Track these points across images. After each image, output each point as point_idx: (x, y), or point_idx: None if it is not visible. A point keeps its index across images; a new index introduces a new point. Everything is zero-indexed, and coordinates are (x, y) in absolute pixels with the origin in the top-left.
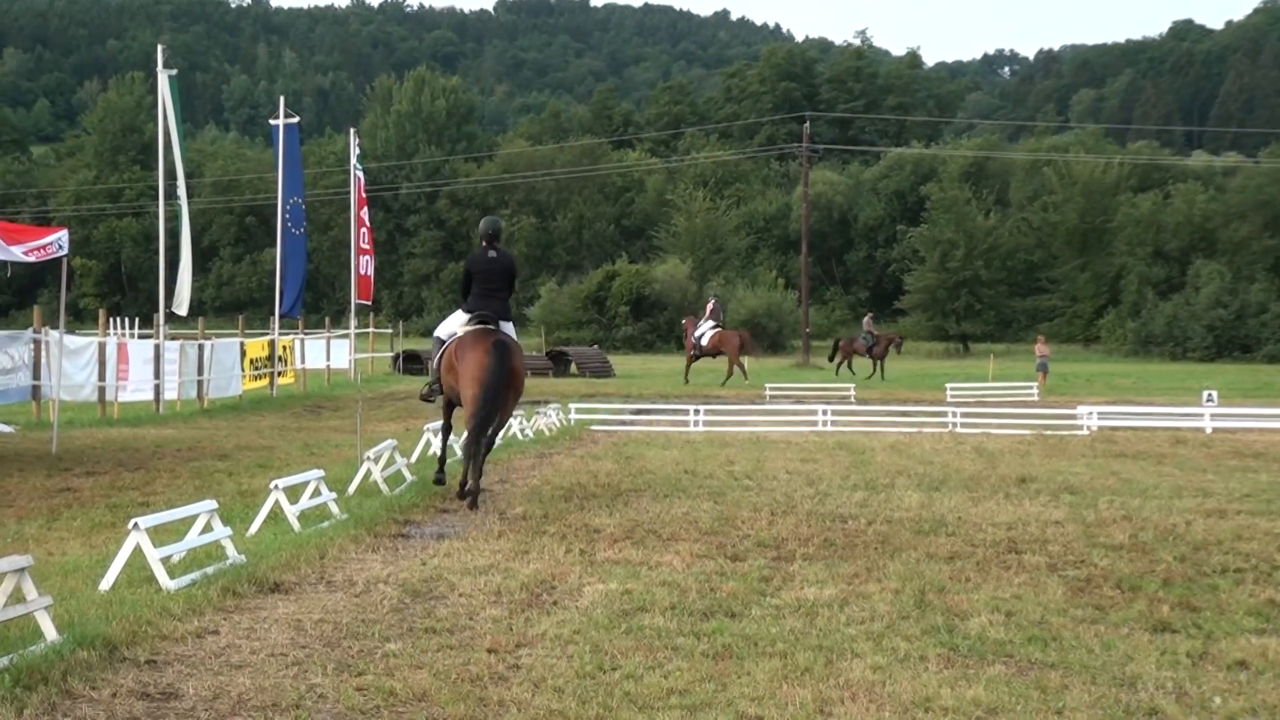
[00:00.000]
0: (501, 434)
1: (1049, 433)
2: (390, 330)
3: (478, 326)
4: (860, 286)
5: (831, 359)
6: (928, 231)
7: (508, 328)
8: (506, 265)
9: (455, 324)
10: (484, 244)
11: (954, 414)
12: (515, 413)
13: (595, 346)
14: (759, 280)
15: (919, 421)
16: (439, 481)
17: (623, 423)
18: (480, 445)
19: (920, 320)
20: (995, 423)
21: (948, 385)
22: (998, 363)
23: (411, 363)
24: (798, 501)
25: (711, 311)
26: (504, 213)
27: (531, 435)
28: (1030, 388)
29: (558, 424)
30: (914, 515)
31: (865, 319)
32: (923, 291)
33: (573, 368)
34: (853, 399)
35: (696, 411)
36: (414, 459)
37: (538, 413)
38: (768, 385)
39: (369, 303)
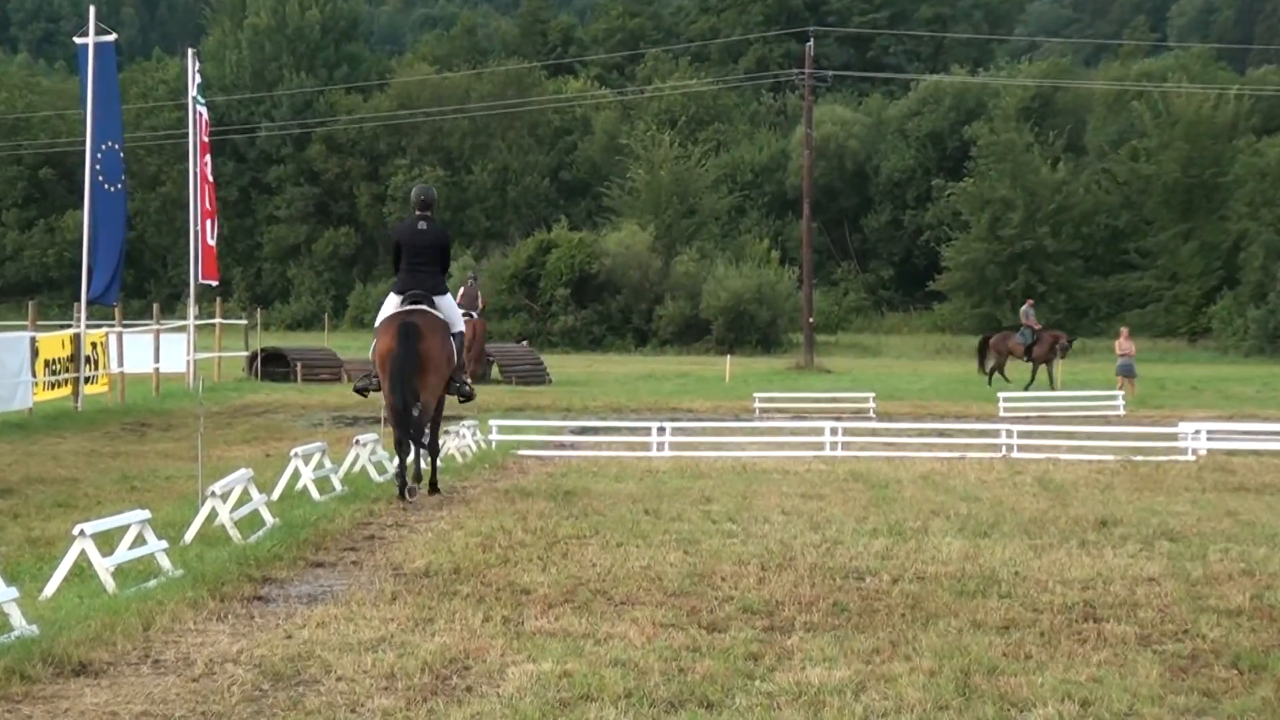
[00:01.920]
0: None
1: (1140, 458)
2: (244, 321)
3: (403, 308)
4: (882, 261)
5: (981, 366)
6: (974, 187)
7: (444, 304)
8: (437, 238)
9: (389, 308)
10: (415, 213)
11: (1009, 433)
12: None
13: (524, 343)
14: (745, 253)
15: (961, 444)
16: (409, 491)
17: (561, 446)
18: (409, 441)
19: (963, 307)
20: (1065, 444)
21: (1000, 395)
22: (1069, 364)
23: (274, 365)
24: (797, 552)
25: (464, 296)
26: (400, 163)
27: (439, 463)
28: (1114, 398)
29: (474, 448)
30: (955, 570)
31: (1024, 308)
32: (966, 268)
33: (494, 371)
34: (872, 413)
35: (660, 430)
36: (277, 494)
37: (447, 432)
38: (757, 396)
39: (215, 284)
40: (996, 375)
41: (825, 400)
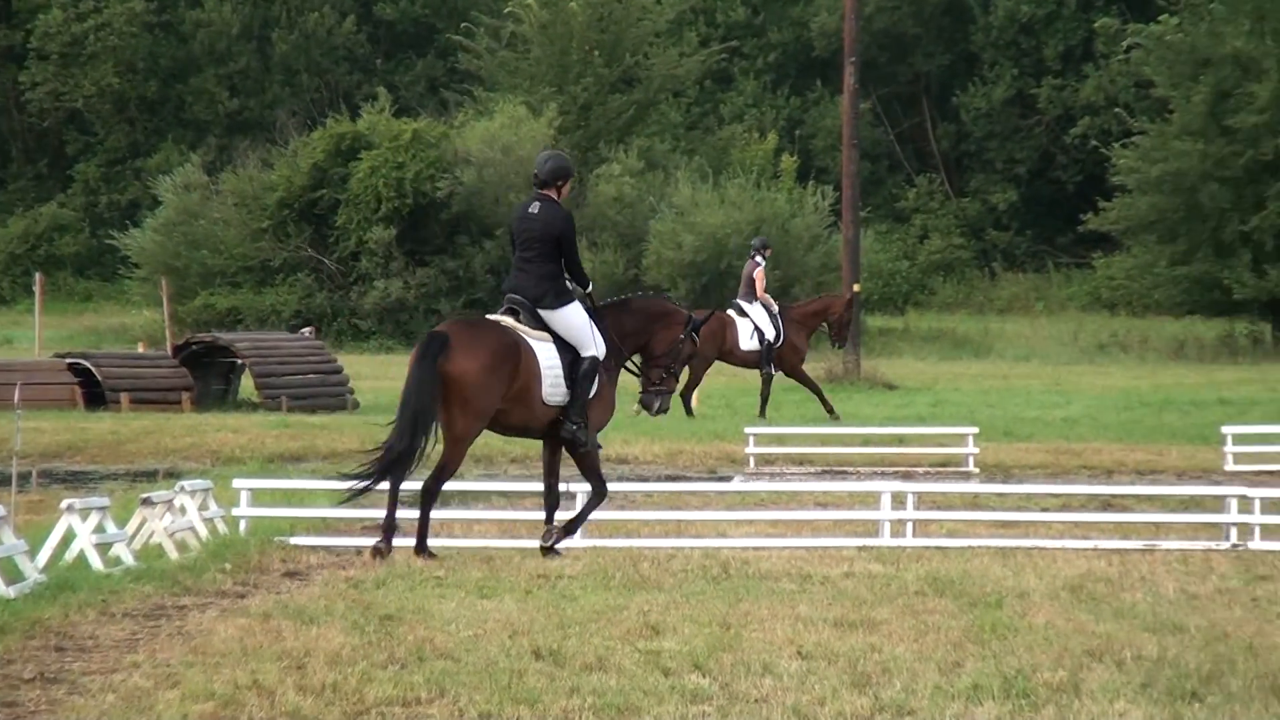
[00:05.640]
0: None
1: None
2: None
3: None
4: (995, 176)
5: None
6: (1177, 37)
7: (559, 317)
8: (549, 225)
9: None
10: (535, 190)
11: (1244, 503)
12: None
13: (307, 331)
14: (733, 160)
15: (1149, 523)
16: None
17: (378, 527)
18: (392, 489)
19: (1153, 262)
20: None
21: (1225, 430)
22: None
23: None
24: None
25: (744, 280)
26: None
27: (131, 560)
28: None
29: (201, 532)
30: None
31: None
32: (1160, 190)
33: (243, 385)
34: (972, 465)
35: (569, 497)
36: None
37: (146, 503)
38: (750, 432)
39: None
40: None
41: (884, 441)
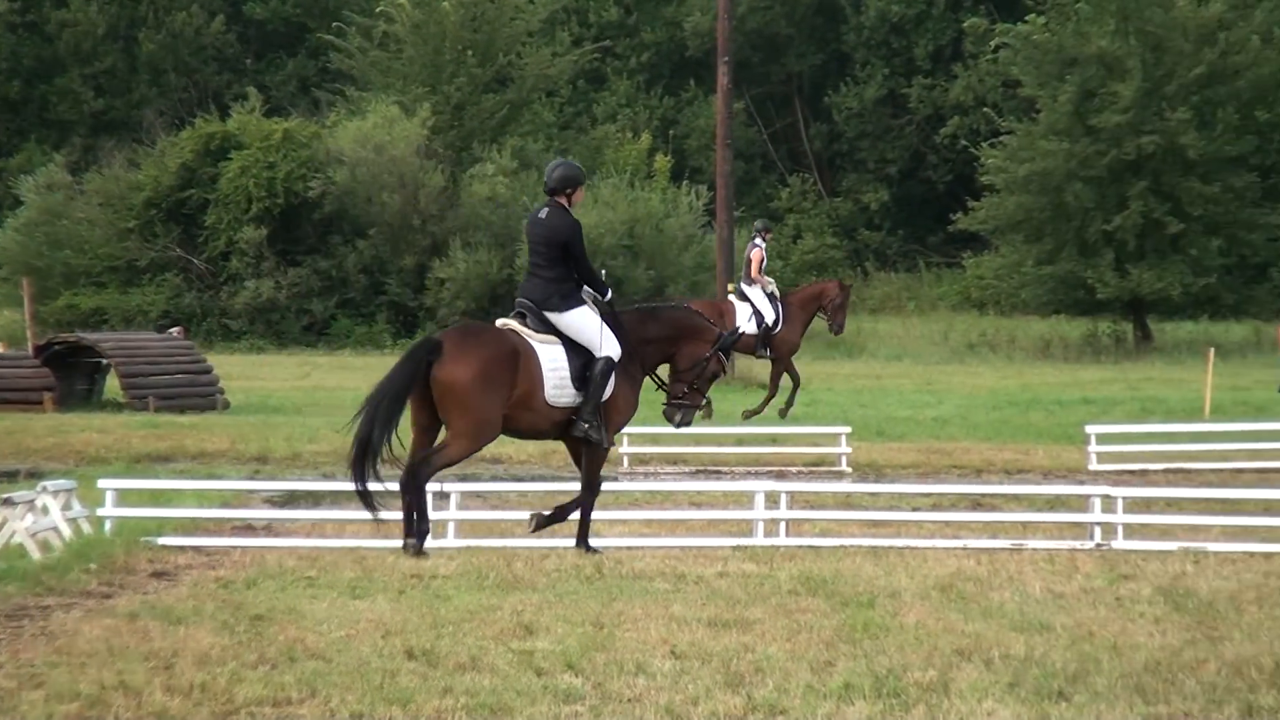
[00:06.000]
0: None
1: None
2: None
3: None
4: (868, 176)
5: None
6: (1045, 36)
7: (568, 319)
8: (555, 231)
9: None
10: (547, 198)
11: (1108, 503)
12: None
13: (175, 331)
14: (608, 161)
15: (1017, 523)
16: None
17: (249, 529)
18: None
19: (1020, 261)
20: (1219, 524)
21: (1088, 429)
22: (1226, 368)
23: None
24: None
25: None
26: None
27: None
28: None
29: (65, 532)
30: None
31: None
32: (1027, 189)
33: (108, 384)
34: (844, 465)
35: (442, 498)
36: None
37: (7, 503)
38: (624, 431)
39: None
40: None
41: (757, 441)
